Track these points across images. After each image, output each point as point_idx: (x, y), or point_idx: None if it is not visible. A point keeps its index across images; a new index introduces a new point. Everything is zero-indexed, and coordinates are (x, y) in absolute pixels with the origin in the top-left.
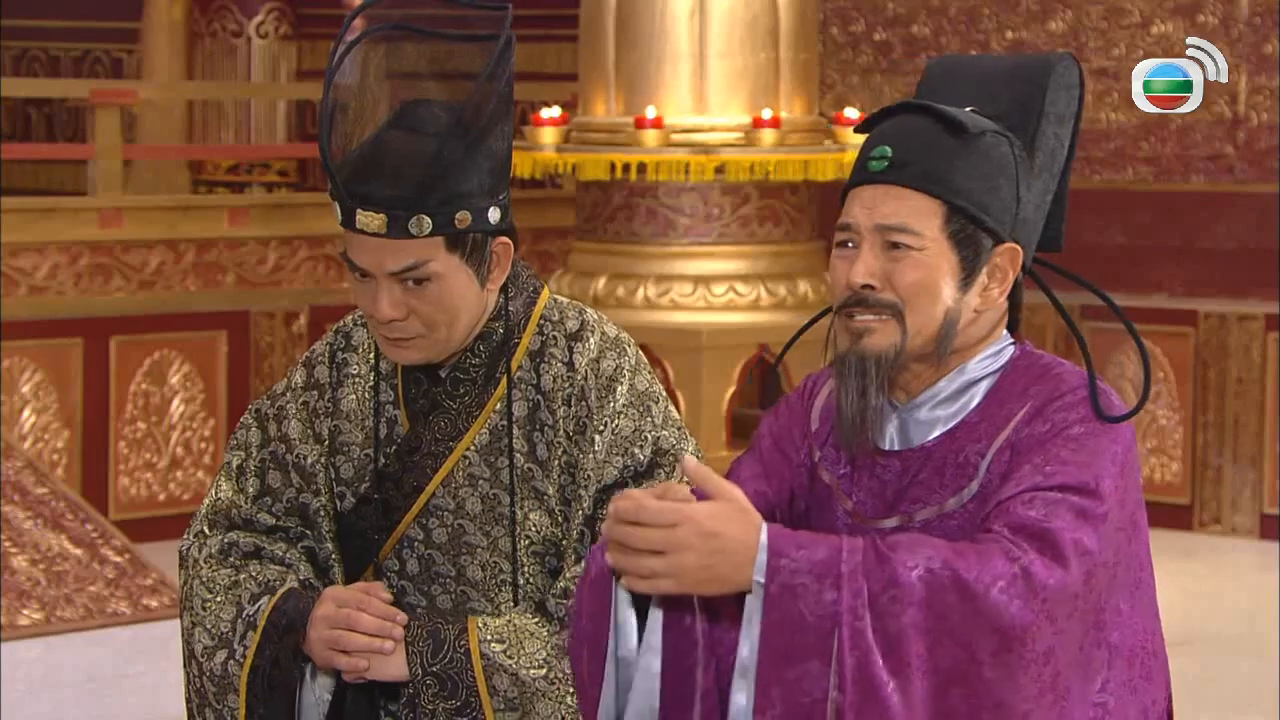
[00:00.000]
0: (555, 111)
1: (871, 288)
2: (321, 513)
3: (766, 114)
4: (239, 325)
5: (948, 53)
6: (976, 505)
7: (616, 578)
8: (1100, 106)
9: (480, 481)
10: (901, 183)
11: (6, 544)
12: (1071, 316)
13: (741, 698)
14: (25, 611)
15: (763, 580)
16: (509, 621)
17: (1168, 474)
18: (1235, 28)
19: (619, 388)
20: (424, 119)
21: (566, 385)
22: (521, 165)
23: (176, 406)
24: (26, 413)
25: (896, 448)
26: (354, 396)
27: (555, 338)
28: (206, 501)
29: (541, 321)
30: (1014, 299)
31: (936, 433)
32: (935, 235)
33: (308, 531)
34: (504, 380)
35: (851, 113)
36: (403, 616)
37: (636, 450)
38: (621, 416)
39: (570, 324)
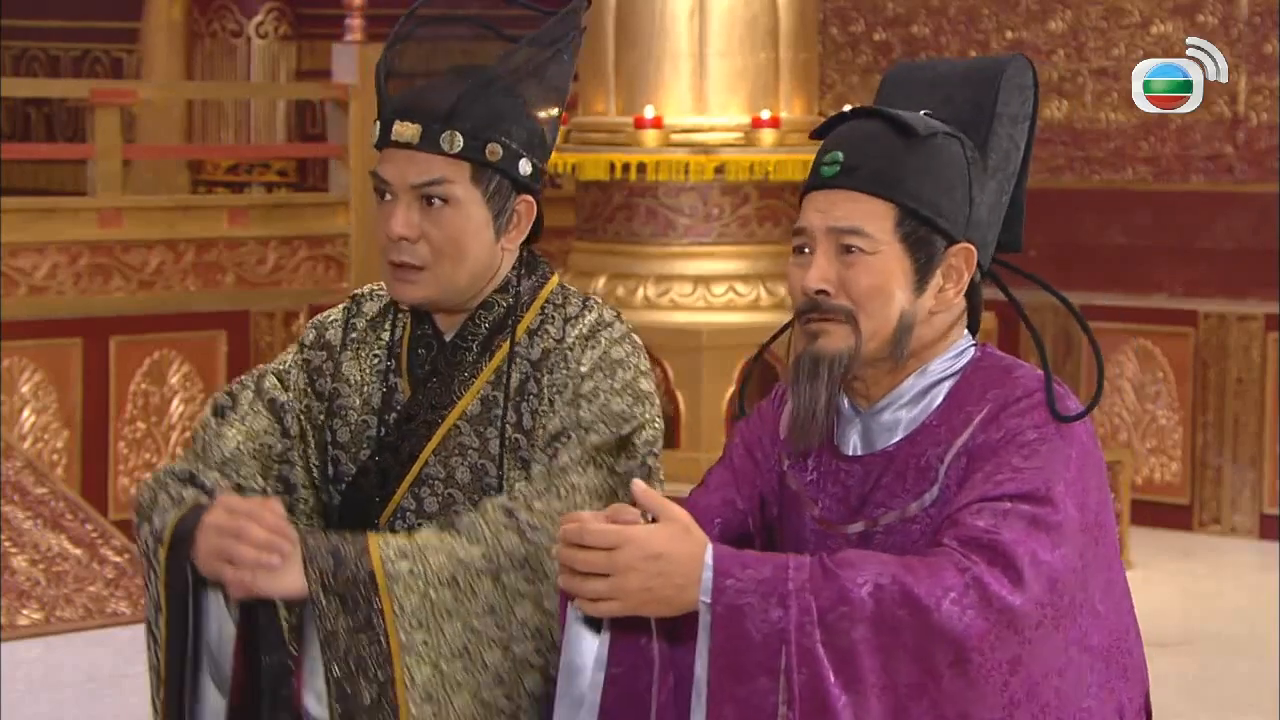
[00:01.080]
0: None
1: (825, 293)
2: (302, 466)
3: (766, 114)
4: (239, 325)
5: (907, 60)
6: (937, 510)
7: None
8: (1100, 106)
9: (470, 451)
10: (853, 186)
11: (6, 544)
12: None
13: (698, 716)
14: (25, 611)
15: (709, 600)
16: (411, 539)
17: (1167, 474)
18: (1235, 28)
19: (592, 351)
20: (472, 67)
21: (554, 355)
22: None
23: (176, 406)
24: (26, 413)
25: (860, 453)
26: (357, 362)
27: (553, 317)
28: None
29: (545, 304)
30: (973, 300)
31: (898, 436)
32: (888, 238)
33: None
34: (497, 354)
35: None
36: (294, 533)
37: (584, 404)
38: (585, 379)
39: (571, 309)
